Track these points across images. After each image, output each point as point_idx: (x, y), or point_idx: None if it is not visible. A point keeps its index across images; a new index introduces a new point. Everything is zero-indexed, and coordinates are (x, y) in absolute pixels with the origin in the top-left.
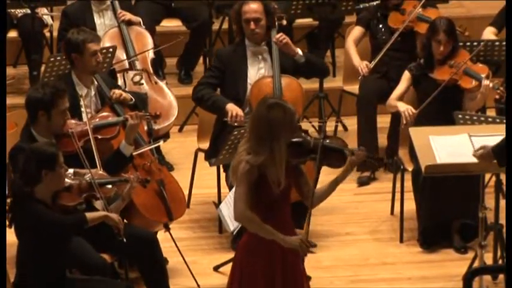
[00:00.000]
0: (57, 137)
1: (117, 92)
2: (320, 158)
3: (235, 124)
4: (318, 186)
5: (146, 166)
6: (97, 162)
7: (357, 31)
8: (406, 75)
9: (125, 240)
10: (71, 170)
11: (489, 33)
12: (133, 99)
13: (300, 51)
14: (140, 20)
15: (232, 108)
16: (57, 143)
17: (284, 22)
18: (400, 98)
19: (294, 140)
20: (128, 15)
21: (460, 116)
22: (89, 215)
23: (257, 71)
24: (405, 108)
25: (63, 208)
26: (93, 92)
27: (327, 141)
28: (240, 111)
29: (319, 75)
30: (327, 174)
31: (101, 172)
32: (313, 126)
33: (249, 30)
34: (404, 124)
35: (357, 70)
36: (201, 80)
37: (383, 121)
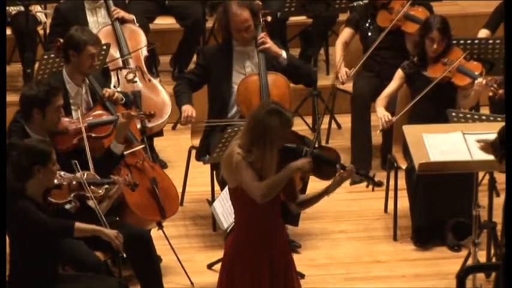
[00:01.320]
0: (51, 135)
1: (110, 90)
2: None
3: (187, 125)
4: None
5: (139, 164)
6: (89, 160)
7: (346, 33)
8: (399, 74)
9: (125, 255)
10: (68, 174)
11: (483, 35)
12: (124, 99)
13: (284, 54)
14: (133, 17)
15: (185, 109)
16: (51, 140)
17: (269, 18)
18: (391, 96)
19: (287, 145)
20: (121, 13)
21: (453, 113)
22: (79, 225)
23: (243, 71)
24: (382, 115)
25: (54, 205)
26: (84, 91)
27: (319, 151)
28: (192, 113)
29: (305, 81)
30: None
31: (92, 173)
32: (306, 123)
33: (240, 38)
34: (380, 130)
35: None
36: (183, 74)
37: (377, 119)
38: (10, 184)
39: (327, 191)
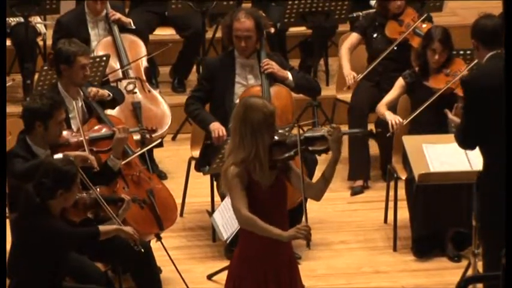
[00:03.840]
0: (52, 147)
1: (94, 90)
2: (303, 148)
3: (220, 143)
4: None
5: (135, 177)
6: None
7: (353, 38)
8: (400, 82)
9: (142, 250)
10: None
11: None
12: (111, 94)
13: (290, 77)
14: (130, 20)
15: (214, 128)
16: (52, 153)
17: (272, 30)
18: (391, 104)
19: (276, 139)
20: (118, 15)
21: (453, 124)
22: (102, 227)
23: (246, 83)
24: (393, 117)
25: (71, 223)
26: (80, 103)
27: (306, 133)
28: (223, 131)
29: (310, 95)
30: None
31: (103, 188)
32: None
33: (238, 46)
34: (391, 133)
35: (344, 79)
36: (190, 93)
37: (373, 129)
38: (31, 200)
39: (334, 162)
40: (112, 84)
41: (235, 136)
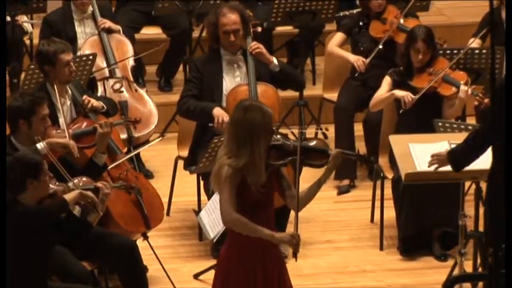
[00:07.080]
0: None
1: (87, 99)
2: (300, 159)
3: (222, 130)
4: (302, 186)
5: (122, 175)
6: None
7: (338, 37)
8: (387, 80)
9: (100, 212)
10: (61, 183)
11: (475, 45)
12: (105, 107)
13: (275, 61)
14: (120, 28)
15: (218, 113)
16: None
17: (259, 29)
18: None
19: (274, 143)
20: (108, 23)
21: (439, 123)
22: (67, 196)
23: (233, 80)
24: (405, 94)
25: None
26: (68, 102)
27: (307, 142)
28: (226, 116)
29: (294, 86)
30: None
31: (85, 179)
32: (292, 133)
33: (227, 42)
34: (404, 108)
35: (334, 78)
36: (182, 93)
37: (361, 129)
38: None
39: (322, 181)
40: (99, 82)
41: (231, 140)
